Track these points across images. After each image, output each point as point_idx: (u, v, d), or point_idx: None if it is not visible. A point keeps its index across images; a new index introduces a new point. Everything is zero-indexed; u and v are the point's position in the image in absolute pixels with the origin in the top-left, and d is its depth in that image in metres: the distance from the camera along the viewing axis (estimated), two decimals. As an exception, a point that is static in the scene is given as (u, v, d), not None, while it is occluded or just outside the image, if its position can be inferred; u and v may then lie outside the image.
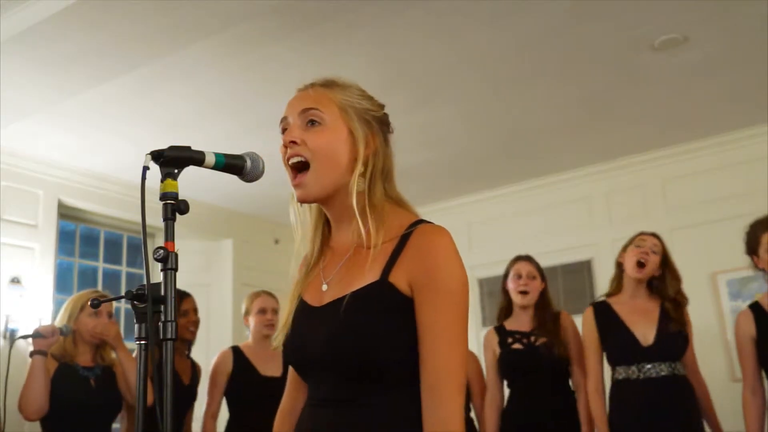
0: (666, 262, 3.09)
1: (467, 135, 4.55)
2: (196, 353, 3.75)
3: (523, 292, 3.30)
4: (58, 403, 2.96)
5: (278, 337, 1.35)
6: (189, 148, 1.24)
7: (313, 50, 3.39)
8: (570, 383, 3.28)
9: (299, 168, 1.30)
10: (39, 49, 3.15)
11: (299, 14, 3.09)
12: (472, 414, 3.53)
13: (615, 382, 3.04)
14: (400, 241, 1.25)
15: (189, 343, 3.65)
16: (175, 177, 1.21)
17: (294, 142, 1.30)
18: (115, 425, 3.28)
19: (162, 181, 1.21)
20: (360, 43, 3.38)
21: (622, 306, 3.09)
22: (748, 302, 2.99)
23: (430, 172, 5.01)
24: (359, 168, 1.29)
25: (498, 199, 5.56)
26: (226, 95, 3.85)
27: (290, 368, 1.41)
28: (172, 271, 1.16)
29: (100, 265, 5.23)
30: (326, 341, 1.22)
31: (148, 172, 1.19)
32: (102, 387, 3.10)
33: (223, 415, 3.59)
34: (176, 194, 1.20)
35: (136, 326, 1.18)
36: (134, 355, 2.66)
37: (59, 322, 3.12)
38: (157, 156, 1.21)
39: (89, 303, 3.04)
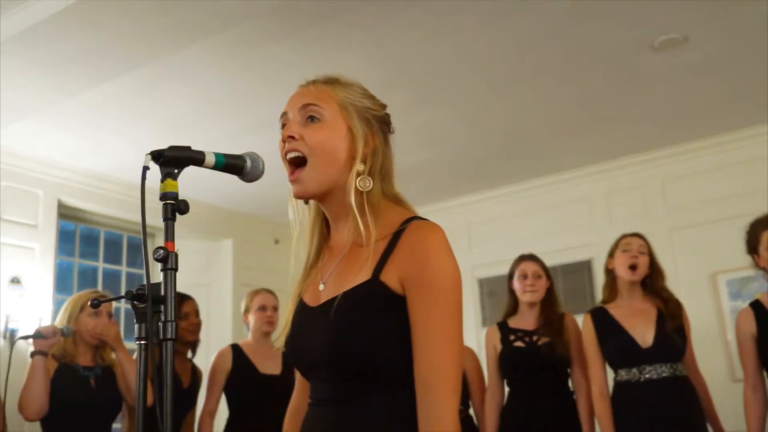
0: (652, 260, 3.13)
1: (467, 135, 4.55)
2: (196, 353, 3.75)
3: (531, 291, 3.31)
4: (58, 403, 2.96)
5: (280, 338, 1.35)
6: (189, 148, 1.24)
7: (313, 50, 3.39)
8: (569, 384, 3.28)
9: (297, 163, 1.30)
10: (39, 49, 3.14)
11: (299, 14, 3.09)
12: (471, 411, 3.53)
13: (617, 384, 3.05)
14: (393, 239, 1.24)
15: (192, 345, 3.65)
16: (175, 177, 1.21)
17: (292, 137, 1.30)
18: (116, 425, 3.27)
19: (162, 181, 1.20)
20: (360, 43, 3.38)
21: (618, 310, 3.10)
22: (749, 302, 2.99)
23: (430, 172, 5.01)
24: (357, 166, 1.29)
25: (498, 199, 5.55)
26: (226, 95, 3.85)
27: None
28: (172, 271, 1.16)
29: (100, 265, 5.23)
30: (321, 342, 1.22)
31: (148, 172, 1.19)
32: (102, 387, 3.10)
33: (223, 414, 3.59)
34: (176, 194, 1.20)
35: (136, 326, 1.18)
36: (134, 356, 2.66)
37: (59, 322, 3.12)
38: (157, 156, 1.21)
39: (89, 303, 3.04)
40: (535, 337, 3.26)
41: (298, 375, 1.43)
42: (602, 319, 3.10)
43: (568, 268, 5.19)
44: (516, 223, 5.43)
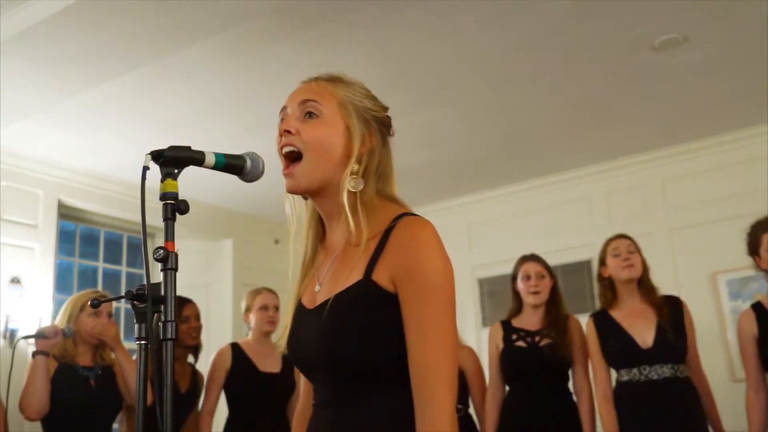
0: (641, 256, 3.16)
1: (467, 135, 4.55)
2: (195, 353, 3.75)
3: (535, 293, 3.31)
4: (58, 403, 2.96)
5: (281, 340, 1.35)
6: (189, 148, 1.24)
7: (313, 50, 3.39)
8: (569, 385, 3.28)
9: (292, 158, 1.30)
10: (39, 49, 3.14)
11: (299, 14, 3.10)
12: (471, 410, 3.53)
13: (618, 385, 3.06)
14: (383, 237, 1.23)
15: (195, 350, 3.65)
16: (175, 177, 1.21)
17: (288, 132, 1.30)
18: (116, 425, 3.28)
19: (162, 181, 1.20)
20: (360, 43, 3.38)
21: (619, 312, 3.12)
22: (749, 302, 3.00)
23: (430, 172, 5.01)
24: (352, 165, 1.28)
25: (498, 199, 5.55)
26: (226, 95, 3.85)
27: None
28: (172, 271, 1.16)
29: (100, 265, 5.23)
30: (317, 345, 1.22)
31: (148, 172, 1.19)
32: (102, 387, 3.10)
33: (223, 414, 3.59)
34: (176, 194, 1.20)
35: (136, 326, 1.18)
36: (134, 356, 2.66)
37: (59, 322, 3.13)
38: (157, 156, 1.21)
39: (89, 303, 3.04)
40: (537, 338, 3.26)
41: (303, 377, 1.44)
42: (604, 322, 3.12)
43: (568, 268, 5.18)
44: (516, 223, 5.43)
